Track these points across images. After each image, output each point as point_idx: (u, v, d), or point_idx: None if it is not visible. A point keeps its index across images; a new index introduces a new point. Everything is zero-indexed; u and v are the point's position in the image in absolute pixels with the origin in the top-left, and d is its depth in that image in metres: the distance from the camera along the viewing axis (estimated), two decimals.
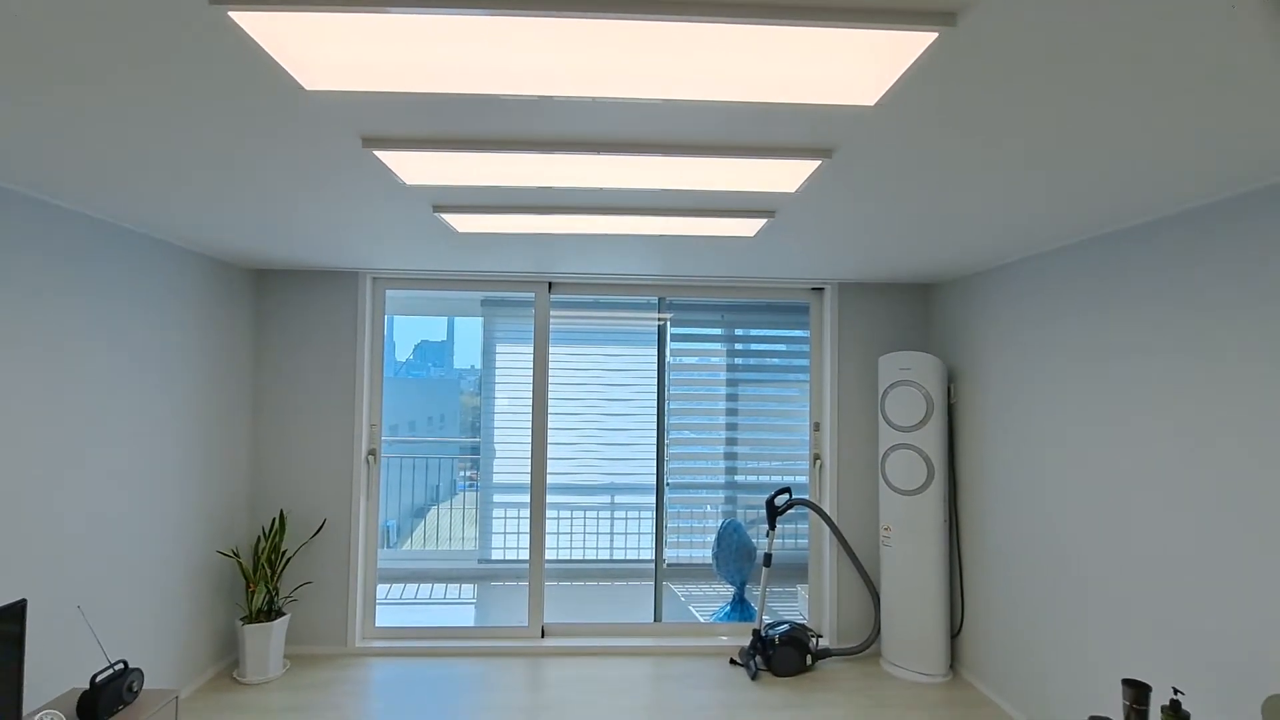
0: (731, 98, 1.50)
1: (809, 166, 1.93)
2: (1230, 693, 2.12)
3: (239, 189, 2.26)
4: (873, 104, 1.49)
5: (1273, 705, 1.78)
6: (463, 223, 2.65)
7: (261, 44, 1.27)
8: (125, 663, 2.37)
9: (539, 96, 1.49)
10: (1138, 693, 2.14)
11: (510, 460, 5.12)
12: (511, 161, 1.95)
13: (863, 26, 1.19)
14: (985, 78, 1.38)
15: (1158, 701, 2.36)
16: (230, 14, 1.17)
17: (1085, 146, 1.75)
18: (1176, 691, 2.08)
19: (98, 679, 2.26)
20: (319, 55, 1.33)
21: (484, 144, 1.83)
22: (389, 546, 6.63)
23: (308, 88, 1.45)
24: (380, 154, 1.87)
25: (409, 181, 2.12)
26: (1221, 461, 2.17)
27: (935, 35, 1.20)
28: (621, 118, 1.64)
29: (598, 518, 5.35)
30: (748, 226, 2.66)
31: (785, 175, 2.03)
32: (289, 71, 1.38)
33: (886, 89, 1.42)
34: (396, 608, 5.03)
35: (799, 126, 1.68)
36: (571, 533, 5.34)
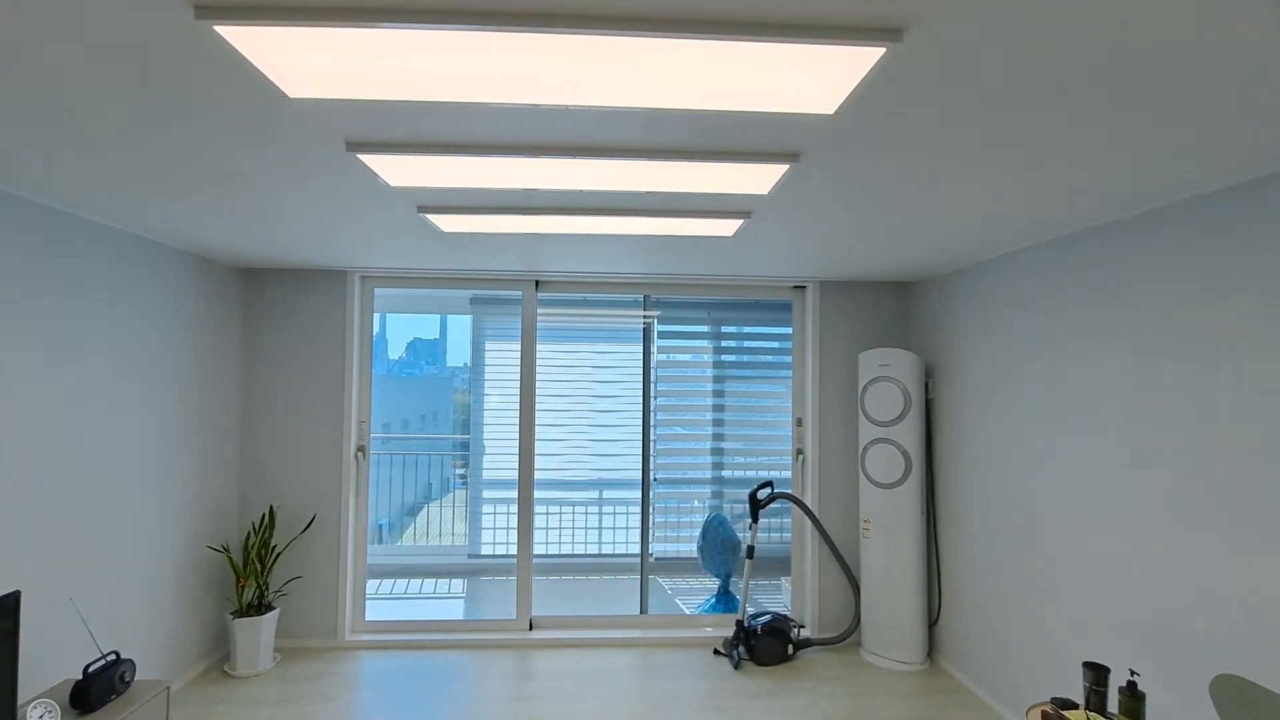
0: (702, 106, 1.57)
1: (778, 170, 2.00)
2: (1183, 673, 2.22)
3: (225, 191, 2.31)
4: (832, 113, 1.56)
5: (1220, 684, 1.87)
6: (447, 223, 2.71)
7: (246, 55, 1.33)
8: (117, 654, 2.43)
9: (519, 105, 1.56)
10: (1097, 674, 2.23)
11: (499, 456, 5.19)
12: (494, 165, 2.02)
13: (818, 42, 1.26)
14: (935, 89, 1.46)
15: (1116, 682, 2.45)
16: (215, 28, 1.23)
17: (1034, 154, 1.83)
18: (1133, 673, 2.17)
19: (90, 669, 2.31)
20: (302, 65, 1.38)
21: (466, 148, 1.89)
22: (380, 543, 6.68)
23: (291, 95, 1.51)
24: (364, 157, 1.92)
25: (393, 184, 2.17)
26: (1177, 456, 2.26)
27: (884, 50, 1.27)
28: (600, 124, 1.70)
29: (585, 513, 5.42)
30: (726, 227, 2.73)
31: (757, 178, 2.10)
32: (273, 80, 1.44)
33: (844, 99, 1.49)
34: (387, 602, 5.09)
35: (766, 133, 1.75)
36: (560, 528, 5.42)
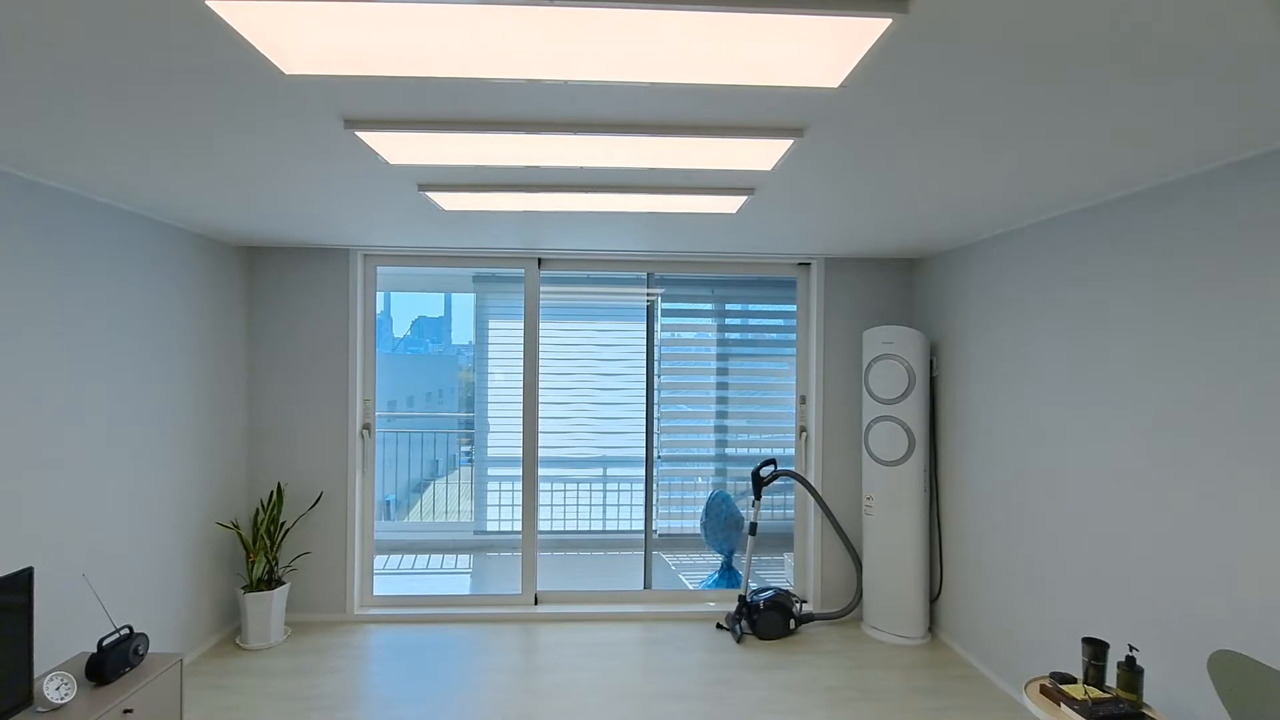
0: (704, 80, 1.54)
1: (782, 145, 1.97)
2: (1181, 649, 2.23)
3: (222, 168, 2.30)
4: (837, 86, 1.53)
5: (1218, 659, 1.89)
6: (449, 201, 2.68)
7: (240, 30, 1.31)
8: (130, 628, 2.47)
9: (519, 80, 1.53)
10: (1096, 649, 2.25)
11: (504, 434, 5.22)
12: (495, 141, 1.99)
13: (822, 13, 1.23)
14: (941, 61, 1.42)
15: (1115, 657, 2.47)
16: (208, 2, 1.21)
17: (1044, 129, 1.79)
18: (1131, 648, 2.19)
19: (104, 643, 2.36)
20: (298, 40, 1.36)
21: (466, 125, 1.87)
22: (389, 520, 6.76)
23: (287, 72, 1.48)
24: (363, 135, 1.90)
25: (393, 161, 2.15)
26: (1181, 435, 2.25)
27: (889, 21, 1.24)
28: (601, 99, 1.68)
29: (590, 490, 5.46)
30: (729, 204, 2.70)
31: (761, 154, 2.07)
32: (268, 57, 1.42)
33: (848, 71, 1.46)
34: (395, 577, 5.17)
35: (770, 108, 1.72)
36: (565, 504, 5.46)
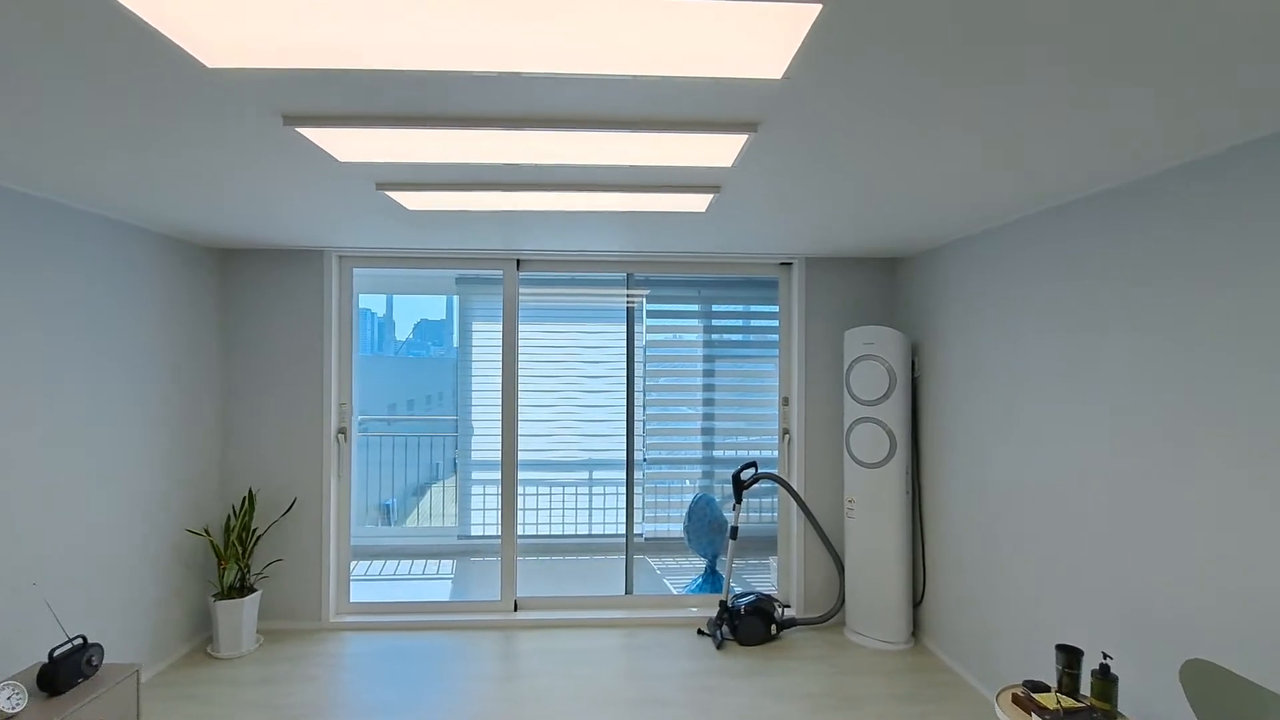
0: (650, 72, 1.49)
1: (739, 140, 1.92)
2: (1157, 657, 2.17)
3: (165, 169, 2.24)
4: (780, 77, 1.48)
5: (1190, 669, 1.82)
6: (410, 200, 2.64)
7: (147, 20, 1.26)
8: (84, 638, 2.42)
9: (459, 72, 1.48)
10: (1070, 657, 2.19)
11: (489, 438, 5.17)
12: (449, 138, 1.94)
13: None
14: (881, 50, 1.37)
15: (1090, 665, 2.41)
16: None
17: (994, 119, 1.74)
18: (1106, 656, 2.13)
19: (55, 654, 2.31)
20: (222, 32, 1.31)
21: (413, 120, 1.81)
22: (390, 524, 6.71)
23: (209, 65, 1.44)
24: (305, 131, 1.85)
25: (342, 159, 2.11)
26: (1159, 440, 2.19)
27: (819, 7, 1.19)
28: (549, 93, 1.62)
29: (575, 494, 5.41)
30: (698, 201, 2.65)
31: (719, 149, 2.02)
32: (184, 48, 1.37)
33: (789, 62, 1.41)
34: (376, 584, 5.11)
35: (722, 102, 1.67)
36: (550, 508, 5.41)
